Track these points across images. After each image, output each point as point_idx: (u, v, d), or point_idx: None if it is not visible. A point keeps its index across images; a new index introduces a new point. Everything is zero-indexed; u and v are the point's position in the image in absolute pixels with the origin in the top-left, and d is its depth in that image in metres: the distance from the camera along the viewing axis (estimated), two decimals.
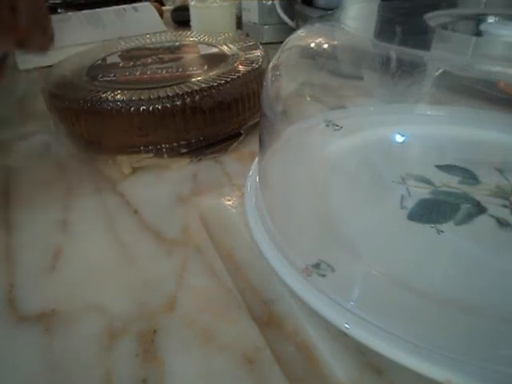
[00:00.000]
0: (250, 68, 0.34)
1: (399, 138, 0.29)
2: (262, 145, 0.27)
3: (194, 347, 0.19)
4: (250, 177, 0.27)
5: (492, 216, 0.23)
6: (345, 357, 0.18)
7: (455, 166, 0.27)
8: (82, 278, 0.23)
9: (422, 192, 0.25)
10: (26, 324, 0.20)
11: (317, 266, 0.19)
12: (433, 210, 0.24)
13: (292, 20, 0.60)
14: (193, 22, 0.63)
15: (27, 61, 0.57)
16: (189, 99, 0.31)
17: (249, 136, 0.35)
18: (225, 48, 0.40)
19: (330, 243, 0.22)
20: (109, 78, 0.35)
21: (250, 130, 0.35)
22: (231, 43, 0.41)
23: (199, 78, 0.33)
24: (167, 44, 0.44)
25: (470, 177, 0.26)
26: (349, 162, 0.29)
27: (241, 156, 0.34)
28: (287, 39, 0.29)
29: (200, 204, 0.28)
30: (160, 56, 0.40)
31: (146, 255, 0.24)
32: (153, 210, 0.28)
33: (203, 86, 0.31)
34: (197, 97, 0.31)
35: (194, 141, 0.33)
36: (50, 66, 0.39)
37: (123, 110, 0.30)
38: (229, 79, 0.32)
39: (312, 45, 0.29)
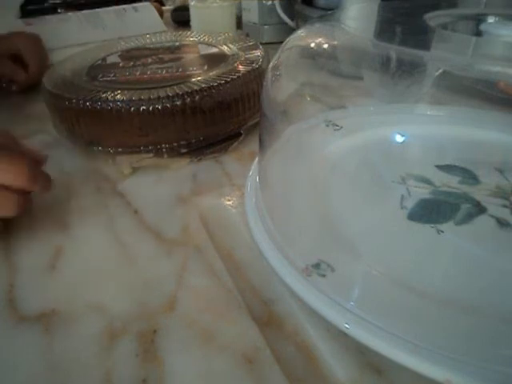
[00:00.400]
0: (250, 68, 0.34)
1: (399, 138, 0.29)
2: (261, 145, 0.27)
3: (194, 347, 0.19)
4: (250, 177, 0.27)
5: (492, 216, 0.23)
6: (345, 357, 0.18)
7: (455, 165, 0.27)
8: (82, 278, 0.23)
9: (422, 192, 0.25)
10: (25, 324, 0.20)
11: (317, 266, 0.19)
12: (433, 210, 0.24)
13: (292, 20, 0.60)
14: (193, 22, 0.63)
15: None
16: (189, 99, 0.31)
17: (249, 136, 0.35)
18: (225, 48, 0.40)
19: (330, 243, 0.22)
20: (109, 78, 0.35)
21: (250, 130, 0.35)
22: (231, 43, 0.41)
23: (199, 78, 0.33)
24: (167, 44, 0.44)
25: (469, 177, 0.26)
26: (349, 162, 0.29)
27: (241, 156, 0.34)
28: (287, 39, 0.29)
29: (200, 204, 0.28)
30: (160, 56, 0.40)
31: (146, 255, 0.24)
32: (153, 210, 0.28)
33: (203, 85, 0.31)
34: (197, 97, 0.31)
35: (193, 141, 0.33)
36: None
37: (123, 109, 0.30)
38: (229, 79, 0.32)
39: (312, 45, 0.29)
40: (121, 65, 0.38)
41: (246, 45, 0.41)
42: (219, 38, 0.44)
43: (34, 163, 0.26)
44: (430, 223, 0.23)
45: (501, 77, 0.26)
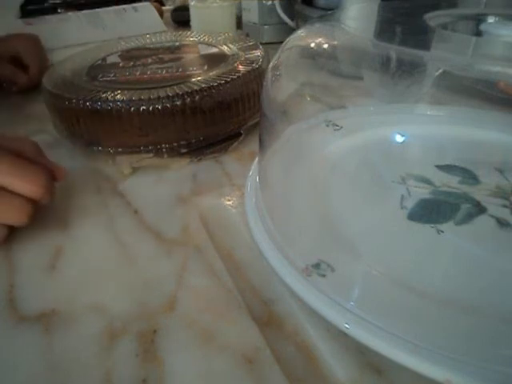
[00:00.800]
0: (250, 68, 0.34)
1: (399, 138, 0.29)
2: (261, 145, 0.27)
3: (194, 347, 0.19)
4: (250, 177, 0.27)
5: (492, 216, 0.23)
6: (345, 357, 0.18)
7: (455, 166, 0.27)
8: (82, 278, 0.23)
9: (422, 192, 0.25)
10: (25, 324, 0.20)
11: (317, 266, 0.19)
12: (433, 210, 0.24)
13: (292, 20, 0.60)
14: (193, 22, 0.63)
15: None
16: (189, 99, 0.31)
17: (249, 136, 0.35)
18: (225, 48, 0.40)
19: (330, 243, 0.22)
20: (109, 78, 0.35)
21: (250, 130, 0.35)
22: (231, 43, 0.41)
23: (199, 78, 0.33)
24: (167, 44, 0.44)
25: (469, 177, 0.26)
26: (349, 162, 0.29)
27: (241, 156, 0.34)
28: (287, 39, 0.29)
29: (200, 204, 0.28)
30: (160, 56, 0.40)
31: (146, 255, 0.24)
32: (153, 210, 0.28)
33: (203, 85, 0.31)
34: (197, 97, 0.31)
35: (193, 141, 0.33)
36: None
37: (123, 109, 0.30)
38: (229, 79, 0.32)
39: (312, 45, 0.29)
40: (121, 65, 0.38)
41: (246, 45, 0.41)
42: (219, 38, 0.44)
43: (52, 177, 0.26)
44: (430, 223, 0.23)
45: (501, 77, 0.26)
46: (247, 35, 0.66)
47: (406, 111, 0.33)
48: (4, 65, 0.47)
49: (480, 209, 0.24)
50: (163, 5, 0.95)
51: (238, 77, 0.33)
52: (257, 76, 0.34)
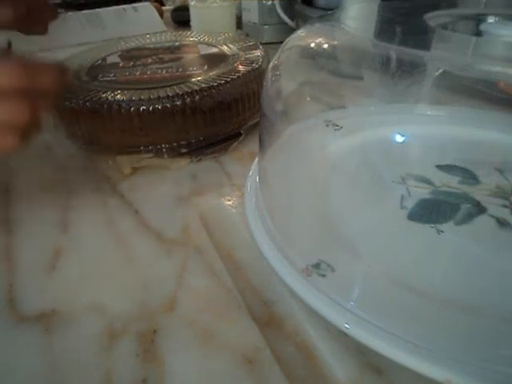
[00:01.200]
0: (250, 68, 0.34)
1: (399, 138, 0.29)
2: (261, 145, 0.27)
3: (194, 347, 0.19)
4: (250, 177, 0.27)
5: (492, 216, 0.23)
6: (345, 357, 0.18)
7: (455, 166, 0.27)
8: (81, 278, 0.23)
9: (422, 192, 0.25)
10: (25, 324, 0.20)
11: (317, 265, 0.19)
12: (433, 210, 0.24)
13: (292, 20, 0.60)
14: (193, 22, 0.63)
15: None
16: (189, 99, 0.31)
17: (249, 136, 0.35)
18: (225, 48, 0.40)
19: (330, 243, 0.22)
20: (109, 78, 0.35)
21: (250, 130, 0.35)
22: (231, 43, 0.41)
23: (199, 78, 0.33)
24: (167, 44, 0.44)
25: (470, 177, 0.26)
26: (349, 162, 0.29)
27: (241, 156, 0.34)
28: (287, 39, 0.29)
29: (200, 204, 0.28)
30: (160, 56, 0.40)
31: (146, 255, 0.24)
32: (153, 210, 0.28)
33: (203, 85, 0.31)
34: (197, 97, 0.31)
35: (193, 141, 0.33)
36: None
37: (123, 110, 0.30)
38: (229, 79, 0.32)
39: (312, 45, 0.29)
40: (121, 65, 0.38)
41: (246, 45, 0.41)
42: (219, 38, 0.44)
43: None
44: (430, 223, 0.23)
45: (501, 77, 0.26)
46: (247, 35, 0.66)
47: (405, 111, 0.33)
48: None
49: (480, 209, 0.24)
50: (163, 5, 0.95)
51: (238, 77, 0.33)
52: (257, 76, 0.34)
